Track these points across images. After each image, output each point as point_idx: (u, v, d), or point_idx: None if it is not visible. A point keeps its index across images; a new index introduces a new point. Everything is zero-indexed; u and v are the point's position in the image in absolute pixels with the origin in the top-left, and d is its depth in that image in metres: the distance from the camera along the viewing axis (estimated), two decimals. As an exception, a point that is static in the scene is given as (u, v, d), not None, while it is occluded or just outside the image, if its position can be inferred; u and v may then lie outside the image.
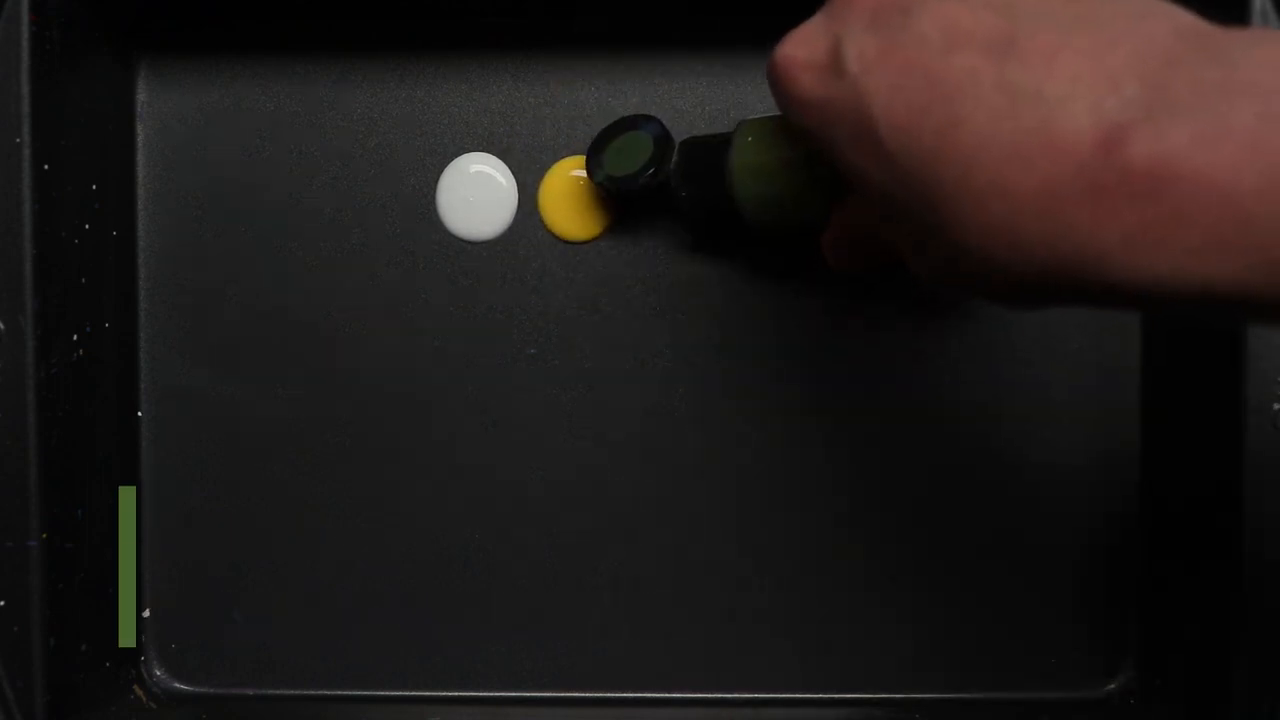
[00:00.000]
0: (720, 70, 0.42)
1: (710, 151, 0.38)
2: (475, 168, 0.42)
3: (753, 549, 0.42)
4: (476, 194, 0.42)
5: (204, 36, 0.42)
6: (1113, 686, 0.42)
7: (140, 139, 0.42)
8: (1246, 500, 0.37)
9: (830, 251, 0.37)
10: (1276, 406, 0.37)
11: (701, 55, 0.42)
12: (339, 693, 0.43)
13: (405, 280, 0.42)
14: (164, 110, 0.42)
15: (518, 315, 0.42)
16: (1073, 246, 0.25)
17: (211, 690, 0.43)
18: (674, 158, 0.39)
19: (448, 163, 0.42)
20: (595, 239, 0.42)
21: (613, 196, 0.41)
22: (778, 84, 0.31)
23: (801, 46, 0.30)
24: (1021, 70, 0.25)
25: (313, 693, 0.43)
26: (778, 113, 0.33)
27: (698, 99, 0.42)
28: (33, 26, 0.37)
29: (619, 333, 0.42)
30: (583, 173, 0.42)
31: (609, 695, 0.43)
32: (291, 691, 0.43)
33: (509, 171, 0.42)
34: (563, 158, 0.42)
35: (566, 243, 0.42)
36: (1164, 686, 0.41)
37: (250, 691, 0.43)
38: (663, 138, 0.39)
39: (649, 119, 0.40)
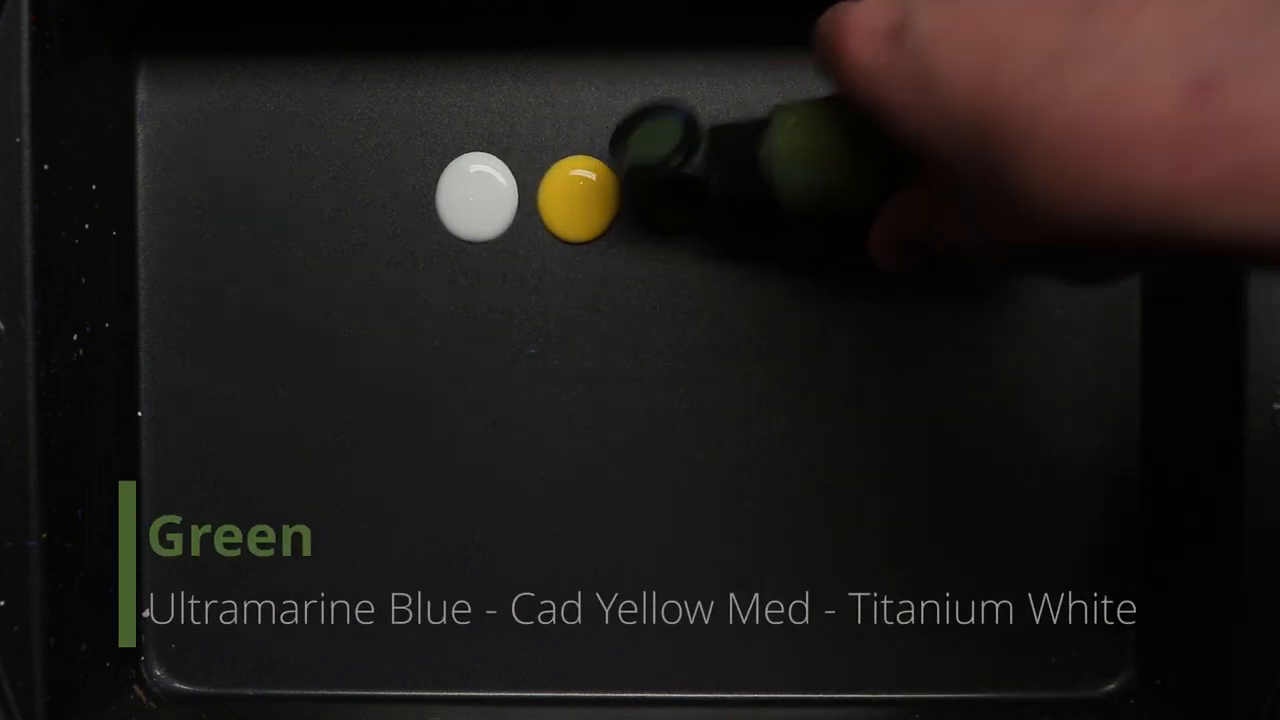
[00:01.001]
0: (721, 70, 0.42)
1: (743, 138, 0.36)
2: (475, 168, 0.42)
3: (753, 549, 0.42)
4: (476, 194, 0.42)
5: (204, 36, 0.42)
6: (1113, 686, 0.42)
7: (140, 139, 0.42)
8: (1247, 500, 0.37)
9: (878, 248, 0.36)
10: (1276, 406, 0.37)
11: (702, 55, 0.42)
12: (339, 693, 0.43)
13: (405, 280, 0.42)
14: (164, 110, 0.42)
15: (518, 315, 0.42)
16: (1150, 197, 0.24)
17: (211, 690, 0.43)
18: (703, 145, 0.38)
19: (448, 163, 0.42)
20: (595, 239, 0.42)
21: (638, 189, 0.40)
22: (833, 49, 0.30)
23: (864, 14, 0.29)
24: (1099, 29, 0.25)
25: (313, 693, 0.43)
26: (810, 98, 0.32)
27: (698, 99, 0.42)
28: (33, 26, 0.37)
29: (619, 333, 0.42)
30: (583, 172, 0.42)
31: (609, 695, 0.43)
32: (291, 691, 0.43)
33: (509, 171, 0.42)
34: (563, 158, 0.42)
35: (566, 243, 0.42)
36: (1164, 686, 0.41)
37: (250, 691, 0.43)
38: (691, 123, 0.37)
39: (675, 104, 0.38)
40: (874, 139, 0.31)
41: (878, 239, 0.36)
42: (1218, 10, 0.24)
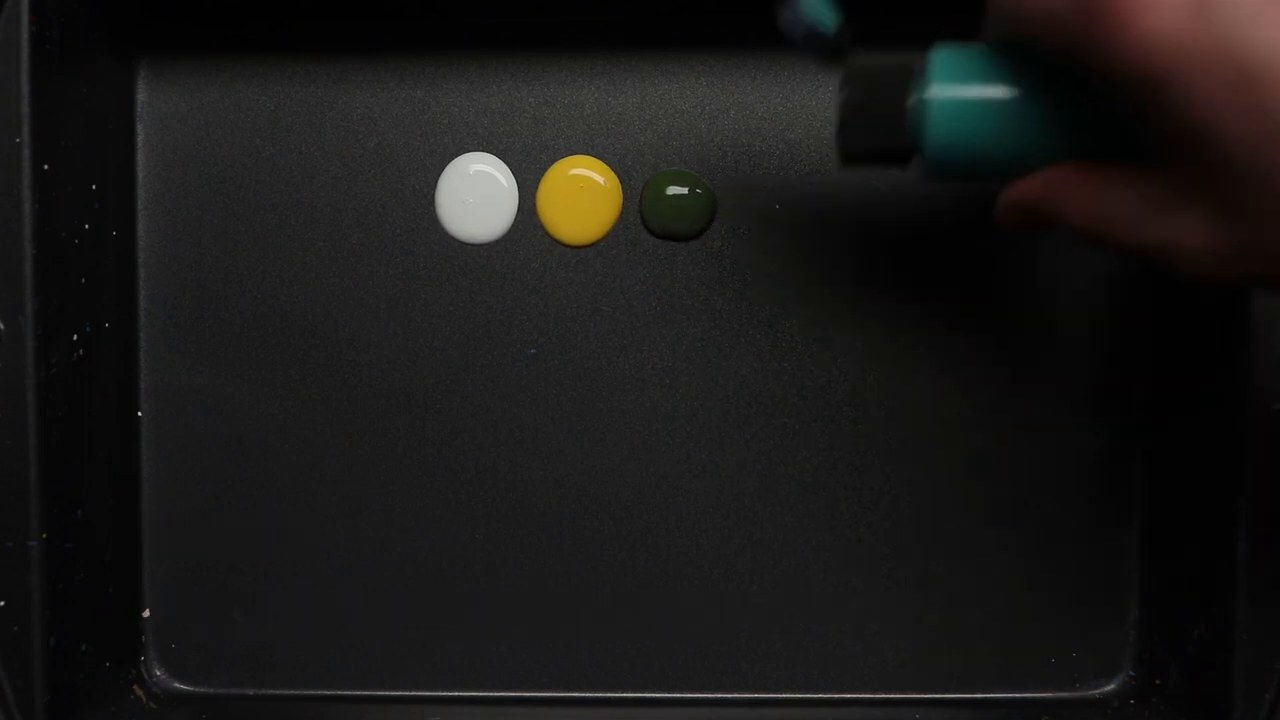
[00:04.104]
0: (722, 70, 0.42)
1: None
2: (475, 167, 0.42)
3: (752, 549, 0.42)
4: (476, 195, 0.42)
5: (204, 36, 0.42)
6: (1112, 686, 0.42)
7: (140, 139, 0.42)
8: (1248, 501, 0.37)
9: (1011, 210, 0.31)
10: (1276, 406, 0.37)
11: (702, 55, 0.42)
12: (339, 693, 0.43)
13: (405, 280, 0.42)
14: (164, 110, 0.42)
15: (518, 315, 0.42)
16: None
17: (211, 690, 0.43)
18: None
19: (447, 163, 0.42)
20: (596, 242, 0.42)
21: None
22: (1114, 15, 0.25)
23: None
24: None
25: (313, 693, 0.43)
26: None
27: (698, 99, 0.42)
28: (33, 26, 0.37)
29: (619, 333, 0.42)
30: (583, 172, 0.42)
31: (609, 695, 0.43)
32: (291, 691, 0.43)
33: (509, 171, 0.42)
34: (562, 158, 0.42)
35: (567, 246, 0.42)
36: (1164, 686, 0.41)
37: (250, 691, 0.43)
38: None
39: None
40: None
41: (1017, 201, 0.31)
42: None
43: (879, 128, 0.32)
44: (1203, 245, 0.26)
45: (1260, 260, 0.26)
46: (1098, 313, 0.42)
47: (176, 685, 0.43)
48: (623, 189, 0.42)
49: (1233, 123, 0.24)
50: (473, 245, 0.42)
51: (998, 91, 0.30)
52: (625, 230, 0.42)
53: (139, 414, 0.43)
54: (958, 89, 0.30)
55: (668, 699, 0.43)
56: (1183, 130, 0.25)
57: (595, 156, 0.42)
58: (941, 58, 0.31)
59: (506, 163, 0.42)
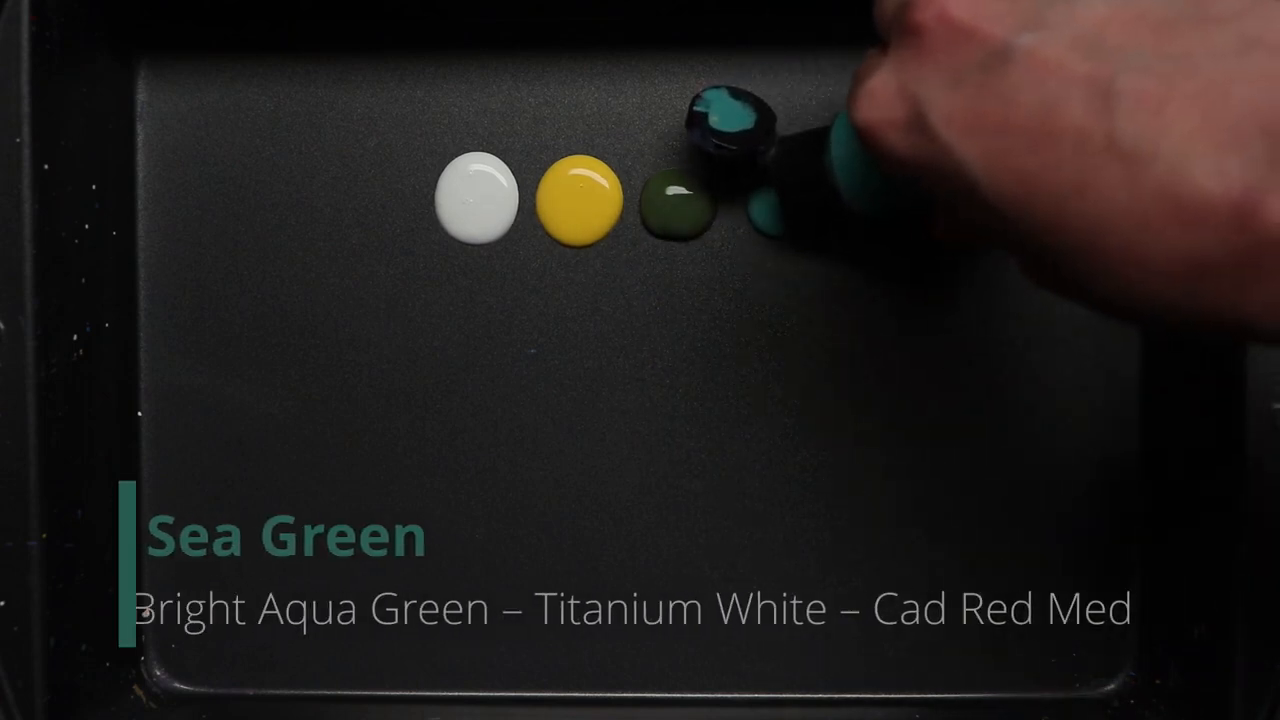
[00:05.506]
0: (721, 70, 0.42)
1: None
2: (475, 168, 0.42)
3: (752, 549, 0.42)
4: (476, 195, 0.42)
5: (204, 36, 0.42)
6: (1113, 686, 0.42)
7: (140, 139, 0.42)
8: (1247, 501, 0.37)
9: (940, 235, 0.38)
10: (1276, 406, 0.37)
11: (702, 55, 0.42)
12: (339, 693, 0.43)
13: (405, 280, 0.42)
14: (164, 110, 0.42)
15: (518, 315, 0.42)
16: (1217, 309, 0.24)
17: (211, 690, 0.43)
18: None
19: (447, 163, 0.42)
20: (596, 243, 0.42)
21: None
22: (867, 144, 0.30)
23: (879, 108, 0.29)
24: (1131, 126, 0.24)
25: (313, 693, 0.43)
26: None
27: (698, 99, 0.42)
28: (33, 26, 0.37)
29: (619, 333, 0.42)
30: (583, 171, 0.42)
31: (609, 695, 0.43)
32: (291, 691, 0.43)
33: (509, 171, 0.42)
34: (562, 158, 0.42)
35: (567, 246, 0.42)
36: (1164, 686, 0.41)
37: (250, 691, 0.43)
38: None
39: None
40: None
41: (938, 229, 0.38)
42: (1248, 99, 0.24)
43: (808, 184, 0.38)
44: (1019, 264, 0.29)
45: (1055, 290, 0.28)
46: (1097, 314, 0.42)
47: (176, 685, 0.43)
48: (623, 189, 0.42)
49: (983, 220, 0.27)
50: (473, 245, 0.42)
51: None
52: (625, 230, 0.42)
53: (139, 414, 0.43)
54: (850, 146, 0.37)
55: (668, 699, 0.43)
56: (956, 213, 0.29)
57: (595, 156, 0.42)
58: (841, 121, 0.37)
59: (506, 163, 0.42)
